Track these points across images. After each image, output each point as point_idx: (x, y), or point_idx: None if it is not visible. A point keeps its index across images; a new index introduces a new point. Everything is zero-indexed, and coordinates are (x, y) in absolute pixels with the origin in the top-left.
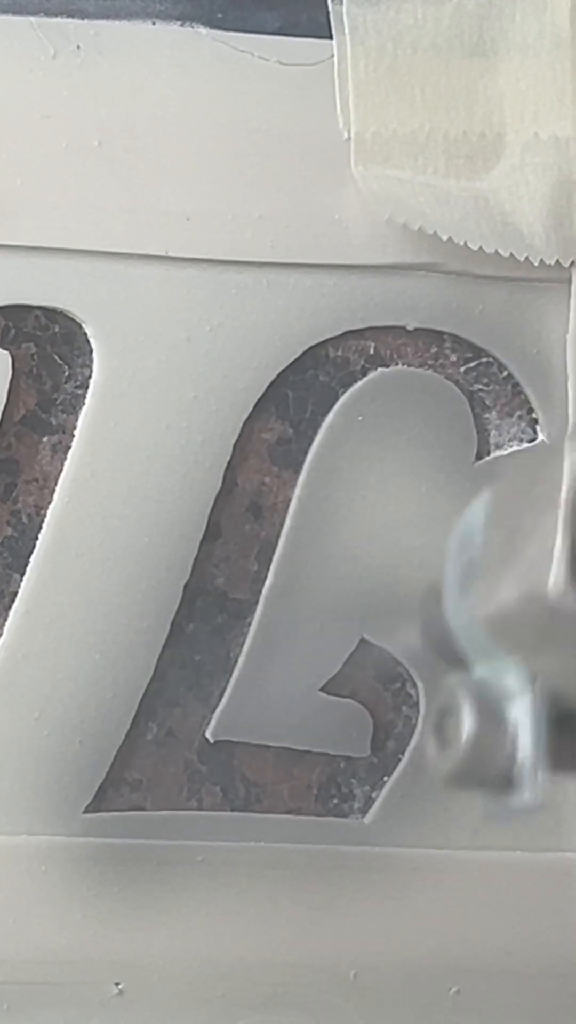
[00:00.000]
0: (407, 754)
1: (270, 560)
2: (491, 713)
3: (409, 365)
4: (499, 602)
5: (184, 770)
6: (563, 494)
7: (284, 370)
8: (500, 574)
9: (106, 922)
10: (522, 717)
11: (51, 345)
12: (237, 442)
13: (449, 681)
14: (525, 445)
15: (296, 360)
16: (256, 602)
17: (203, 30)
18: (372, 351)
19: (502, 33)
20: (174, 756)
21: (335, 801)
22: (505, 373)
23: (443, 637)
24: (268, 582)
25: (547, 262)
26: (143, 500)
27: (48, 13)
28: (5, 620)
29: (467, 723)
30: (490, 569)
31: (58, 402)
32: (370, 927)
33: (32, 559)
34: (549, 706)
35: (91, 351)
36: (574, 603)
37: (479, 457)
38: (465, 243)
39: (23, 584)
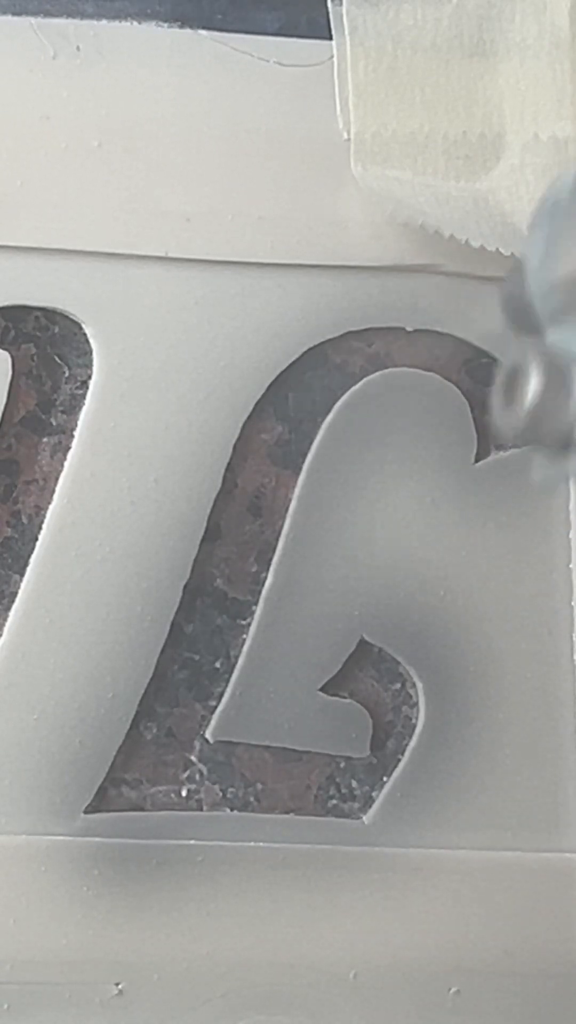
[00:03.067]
0: (407, 754)
1: (270, 560)
2: (558, 375)
3: (409, 366)
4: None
5: (184, 770)
6: None
7: (284, 371)
8: None
9: (106, 922)
10: None
11: (51, 346)
12: (237, 443)
13: (520, 344)
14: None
15: (296, 361)
16: (256, 602)
17: (203, 31)
18: (372, 352)
19: (502, 34)
20: (174, 756)
21: (335, 801)
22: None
23: (522, 306)
24: (268, 582)
25: None
26: (143, 500)
27: (48, 14)
28: (5, 620)
29: (533, 382)
30: (570, 236)
31: (58, 403)
32: (370, 927)
33: (32, 560)
34: None
35: (91, 352)
36: None
37: (479, 457)
38: (466, 241)
39: (23, 585)
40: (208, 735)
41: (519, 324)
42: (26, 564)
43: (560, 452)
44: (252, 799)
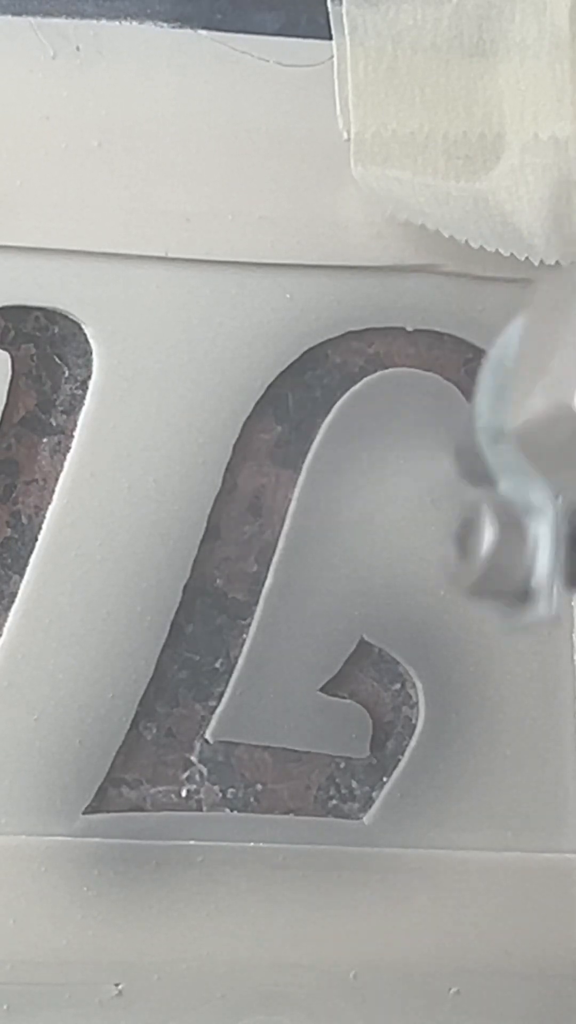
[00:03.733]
0: (407, 754)
1: (270, 560)
2: (512, 527)
3: (409, 366)
4: (527, 415)
5: (183, 770)
6: None
7: (284, 371)
8: (530, 389)
9: (106, 922)
10: (542, 532)
11: (51, 346)
12: (237, 443)
13: (473, 495)
14: None
15: (296, 361)
16: (256, 602)
17: (203, 31)
18: (372, 352)
19: (502, 34)
20: (174, 756)
21: (334, 802)
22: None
23: (473, 459)
24: (268, 582)
25: (547, 262)
26: (143, 501)
27: (48, 14)
28: (5, 621)
29: (488, 535)
30: (520, 385)
31: (58, 403)
32: (370, 927)
33: (32, 560)
34: (570, 522)
35: (91, 352)
36: None
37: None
38: (466, 241)
39: (23, 585)
40: (208, 735)
41: (471, 475)
42: (26, 564)
43: (517, 602)
44: (252, 799)
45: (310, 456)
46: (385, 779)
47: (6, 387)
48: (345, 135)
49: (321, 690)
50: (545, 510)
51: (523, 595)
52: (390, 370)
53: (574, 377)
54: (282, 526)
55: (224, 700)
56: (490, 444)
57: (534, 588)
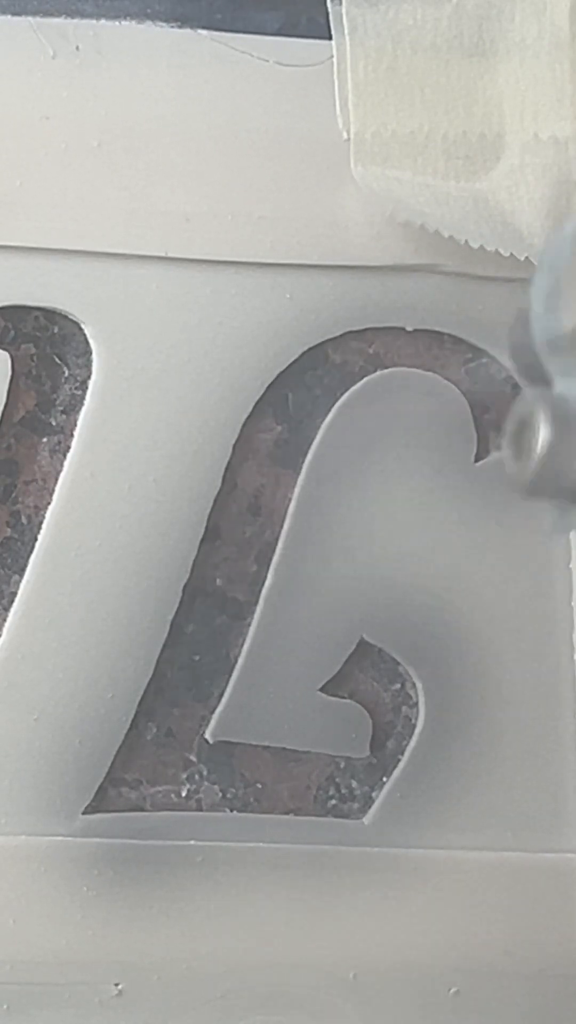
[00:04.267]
0: (407, 754)
1: (269, 560)
2: (568, 426)
3: (409, 366)
4: None
5: (183, 770)
6: None
7: (283, 371)
8: None
9: (106, 922)
10: None
11: (50, 346)
12: (236, 443)
13: (528, 395)
14: None
15: (295, 361)
16: (256, 603)
17: (203, 31)
18: (372, 352)
19: (502, 34)
20: (173, 756)
21: (334, 802)
22: (505, 373)
23: (529, 356)
24: (268, 582)
25: None
26: (142, 501)
27: (47, 14)
28: (4, 621)
29: (543, 434)
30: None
31: (57, 403)
32: (369, 927)
33: (31, 560)
34: None
35: (90, 352)
36: None
37: (479, 457)
38: (466, 241)
39: (22, 585)
40: (208, 735)
41: (526, 374)
42: (26, 564)
43: (572, 502)
44: (252, 799)
45: (310, 456)
46: (385, 779)
47: (6, 387)
48: (345, 135)
49: (321, 690)
50: None
51: None
52: (390, 370)
53: None
54: (282, 526)
55: (224, 700)
56: (545, 343)
57: None
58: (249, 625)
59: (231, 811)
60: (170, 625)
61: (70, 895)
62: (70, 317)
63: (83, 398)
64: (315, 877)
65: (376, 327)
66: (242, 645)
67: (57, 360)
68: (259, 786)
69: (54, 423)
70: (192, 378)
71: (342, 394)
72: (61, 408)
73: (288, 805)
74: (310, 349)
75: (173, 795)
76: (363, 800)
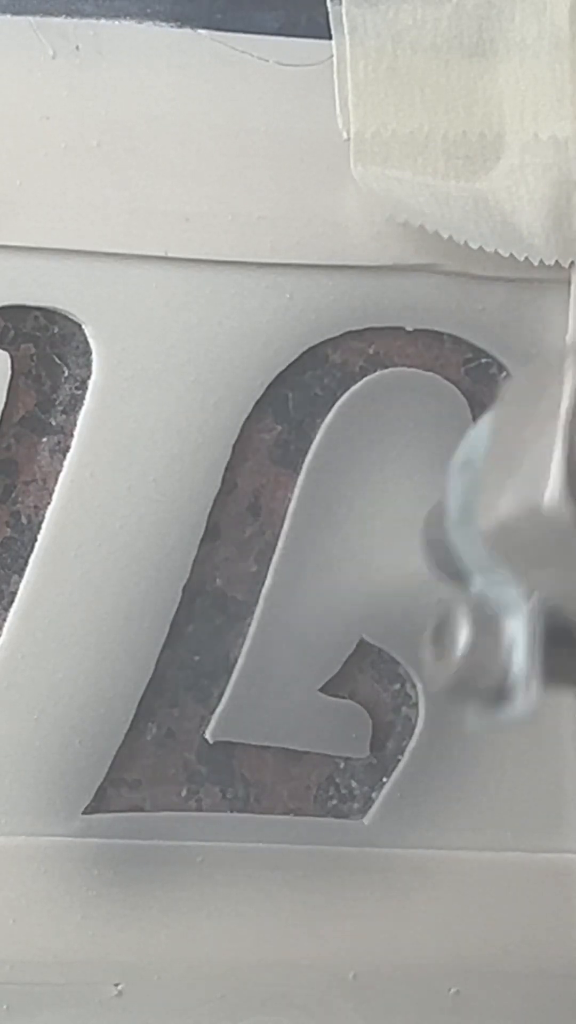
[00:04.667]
0: (406, 754)
1: (269, 561)
2: (487, 626)
3: (409, 366)
4: (499, 515)
5: (183, 771)
6: (562, 407)
7: (283, 371)
8: (500, 488)
9: (106, 922)
10: (518, 630)
11: (50, 346)
12: (236, 443)
13: (448, 593)
14: None
15: (295, 361)
16: (255, 603)
17: (203, 31)
18: (371, 352)
19: (501, 33)
20: (173, 757)
21: (334, 802)
22: (505, 373)
23: (445, 555)
24: (267, 583)
25: (547, 262)
26: (142, 501)
27: (47, 13)
28: (4, 621)
29: (463, 635)
30: (491, 484)
31: (57, 403)
32: (369, 927)
33: (31, 560)
34: (545, 620)
35: (90, 352)
36: (569, 516)
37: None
38: (465, 242)
39: (22, 585)
40: (208, 735)
41: (444, 571)
42: (26, 564)
43: (494, 700)
44: (252, 799)
45: (310, 456)
46: (385, 779)
47: (6, 387)
48: (345, 135)
49: (321, 690)
50: (520, 608)
51: (500, 693)
52: (390, 370)
53: (545, 476)
54: (282, 526)
55: (224, 700)
56: (462, 542)
57: (510, 686)
58: (249, 625)
59: (231, 811)
60: (170, 625)
61: (70, 895)
62: (70, 317)
63: (83, 398)
64: (315, 877)
65: (376, 327)
66: (242, 645)
67: (57, 360)
68: (259, 786)
69: (54, 423)
70: (192, 378)
71: (342, 394)
72: (61, 408)
73: (288, 805)
74: (310, 349)
75: (173, 795)
76: (363, 800)
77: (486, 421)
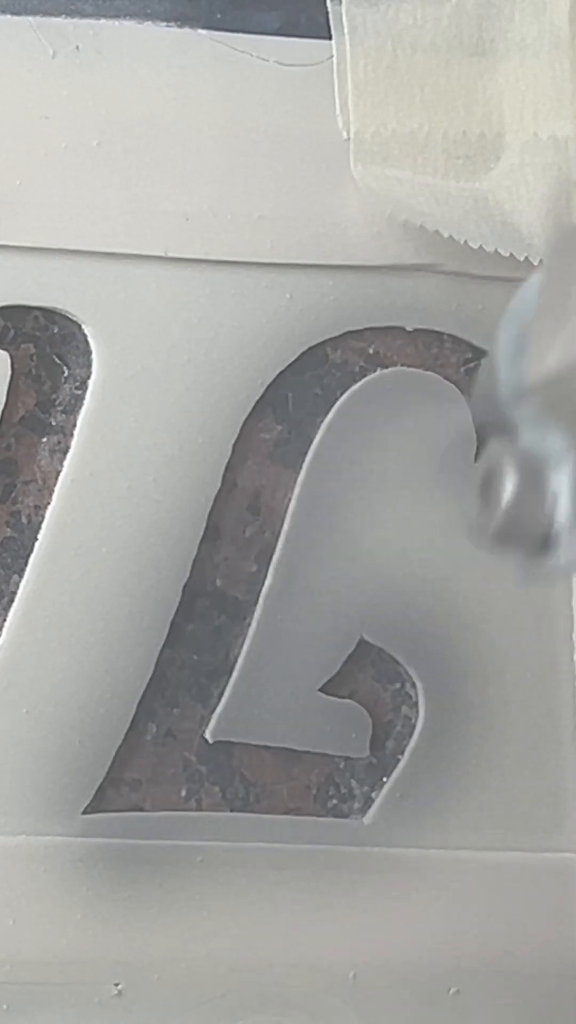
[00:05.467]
0: (406, 754)
1: (269, 560)
2: (533, 476)
3: (409, 366)
4: (546, 368)
5: (183, 770)
6: None
7: (283, 370)
8: (549, 342)
9: (106, 922)
10: (563, 481)
11: (50, 346)
12: (236, 442)
13: (494, 445)
14: None
15: (295, 360)
16: (255, 602)
17: (202, 31)
18: (371, 352)
19: (501, 33)
20: (173, 756)
21: (334, 801)
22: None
23: (495, 407)
24: (267, 582)
25: None
26: (142, 501)
27: (47, 13)
28: (4, 621)
29: (509, 485)
30: (540, 337)
31: (57, 403)
32: (369, 927)
33: (31, 560)
34: None
35: (90, 352)
36: None
37: (479, 457)
38: (465, 242)
39: (22, 585)
40: (208, 735)
41: (492, 424)
42: (26, 564)
43: (537, 553)
44: (252, 799)
45: (310, 456)
46: (385, 779)
47: (6, 387)
48: (345, 135)
49: (321, 690)
50: (566, 460)
51: (544, 544)
52: (390, 370)
53: None
54: (282, 526)
55: (224, 700)
56: (510, 396)
57: (555, 536)
58: (249, 625)
59: (231, 811)
60: (170, 625)
61: (70, 895)
62: (70, 317)
63: (83, 398)
64: (315, 877)
65: (376, 327)
66: (242, 645)
67: (57, 360)
68: (259, 786)
69: (54, 423)
70: (192, 378)
71: (342, 394)
72: (61, 408)
73: (288, 805)
74: (310, 349)
75: (173, 795)
76: (363, 800)
77: (536, 277)
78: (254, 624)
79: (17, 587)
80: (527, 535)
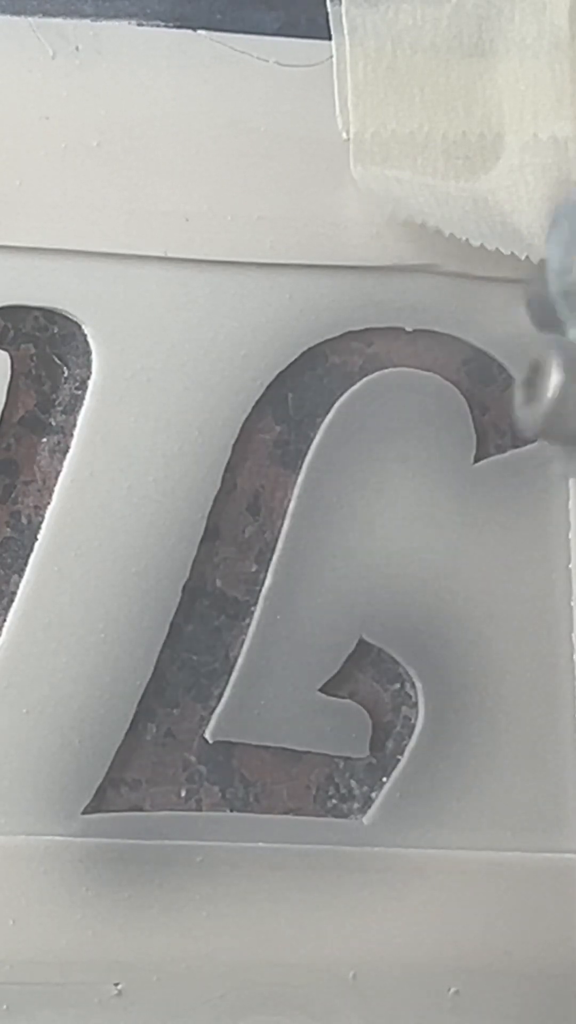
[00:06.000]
0: (406, 754)
1: (269, 560)
2: None
3: (408, 366)
4: None
5: (183, 770)
6: None
7: (283, 371)
8: None
9: (106, 922)
10: None
11: (50, 346)
12: (236, 443)
13: (543, 340)
14: (525, 447)
15: (295, 361)
16: (255, 603)
17: (202, 31)
18: (371, 352)
19: (501, 33)
20: (173, 756)
21: (334, 801)
22: (505, 373)
23: (545, 305)
24: (267, 582)
25: None
26: (142, 501)
27: (47, 14)
28: (4, 621)
29: (554, 379)
30: None
31: (57, 403)
32: (369, 927)
33: (31, 560)
34: None
35: (90, 352)
36: None
37: (479, 458)
38: (466, 241)
39: (22, 585)
40: (207, 735)
41: (542, 322)
42: (26, 564)
43: None
44: (252, 799)
45: (310, 456)
46: (385, 779)
47: (6, 387)
48: (345, 135)
49: (321, 690)
50: None
51: None
52: (390, 370)
53: None
54: (282, 526)
55: (224, 700)
56: (562, 291)
57: None
58: (249, 625)
59: (231, 811)
60: (170, 625)
61: (70, 895)
62: (70, 317)
63: (83, 398)
64: (315, 877)
65: (376, 327)
66: (242, 645)
67: (57, 360)
68: (259, 786)
69: (54, 423)
70: (192, 378)
71: (342, 394)
72: (61, 408)
73: (288, 805)
74: (310, 349)
75: (173, 795)
76: (363, 800)
77: None
78: (254, 624)
79: (17, 587)
80: (571, 429)
